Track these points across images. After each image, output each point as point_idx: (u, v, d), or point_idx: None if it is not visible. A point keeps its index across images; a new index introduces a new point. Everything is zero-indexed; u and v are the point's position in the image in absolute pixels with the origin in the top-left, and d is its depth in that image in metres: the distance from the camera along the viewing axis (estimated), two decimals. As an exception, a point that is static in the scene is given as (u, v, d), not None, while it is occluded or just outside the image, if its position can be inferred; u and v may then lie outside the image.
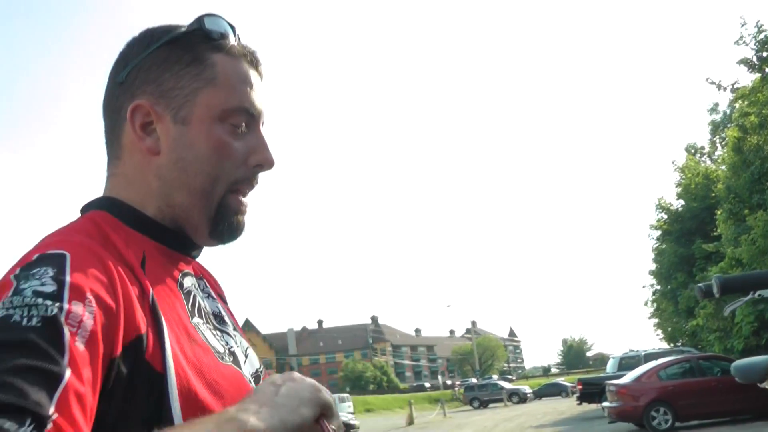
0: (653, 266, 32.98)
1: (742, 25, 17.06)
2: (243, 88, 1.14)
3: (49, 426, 0.80)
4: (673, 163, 31.36)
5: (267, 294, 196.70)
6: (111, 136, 1.16)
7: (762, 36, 16.88)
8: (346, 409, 47.98)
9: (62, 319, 0.88)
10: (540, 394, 56.98)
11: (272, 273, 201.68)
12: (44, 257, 0.95)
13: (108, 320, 0.93)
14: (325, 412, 0.98)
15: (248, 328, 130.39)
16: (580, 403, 28.37)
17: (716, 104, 32.82)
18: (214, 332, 1.14)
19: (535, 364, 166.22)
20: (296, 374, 1.00)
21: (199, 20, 1.14)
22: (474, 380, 64.30)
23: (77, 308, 0.90)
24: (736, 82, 18.93)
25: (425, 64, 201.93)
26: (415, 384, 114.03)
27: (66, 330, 0.87)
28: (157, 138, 1.12)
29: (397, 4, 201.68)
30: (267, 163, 1.17)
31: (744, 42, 17.11)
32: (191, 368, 1.01)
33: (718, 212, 21.97)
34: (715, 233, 22.70)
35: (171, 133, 1.11)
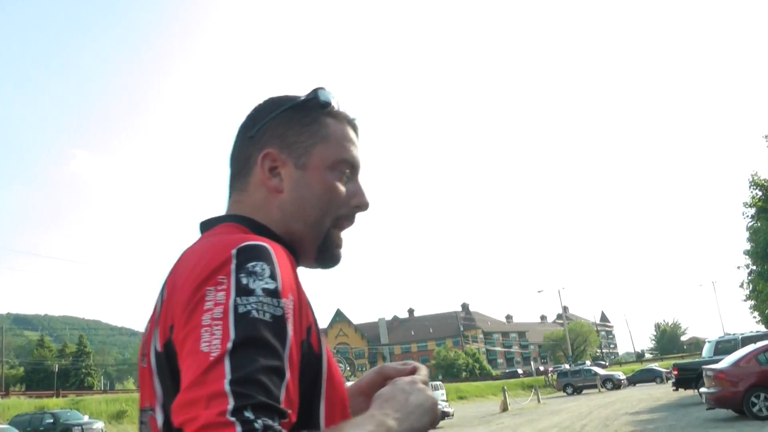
0: (748, 246, 32.15)
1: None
2: (347, 145, 1.44)
3: (286, 419, 1.01)
4: (766, 137, 30.34)
5: (358, 284, 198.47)
6: (237, 175, 1.44)
7: None
8: (439, 396, 48.05)
9: (286, 315, 1.10)
10: (634, 380, 56.12)
11: (363, 263, 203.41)
12: (251, 249, 1.15)
13: (300, 308, 1.18)
14: (435, 423, 1.23)
15: (340, 318, 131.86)
16: (676, 389, 27.95)
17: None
18: None
19: (628, 350, 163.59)
20: (420, 383, 1.26)
21: (315, 92, 1.45)
22: (567, 366, 63.63)
23: (289, 303, 1.13)
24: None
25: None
26: (507, 371, 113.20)
27: (289, 327, 1.10)
28: (280, 179, 1.39)
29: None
30: (364, 205, 1.46)
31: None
32: (329, 356, 1.27)
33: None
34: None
35: (293, 176, 1.40)
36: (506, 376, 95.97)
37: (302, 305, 1.19)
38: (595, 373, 53.37)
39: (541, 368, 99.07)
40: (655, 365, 66.41)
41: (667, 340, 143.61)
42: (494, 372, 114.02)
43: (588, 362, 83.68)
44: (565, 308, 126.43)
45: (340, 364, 33.43)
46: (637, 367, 74.43)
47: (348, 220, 1.45)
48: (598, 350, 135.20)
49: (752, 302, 35.83)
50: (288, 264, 1.21)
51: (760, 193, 29.99)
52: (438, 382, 58.35)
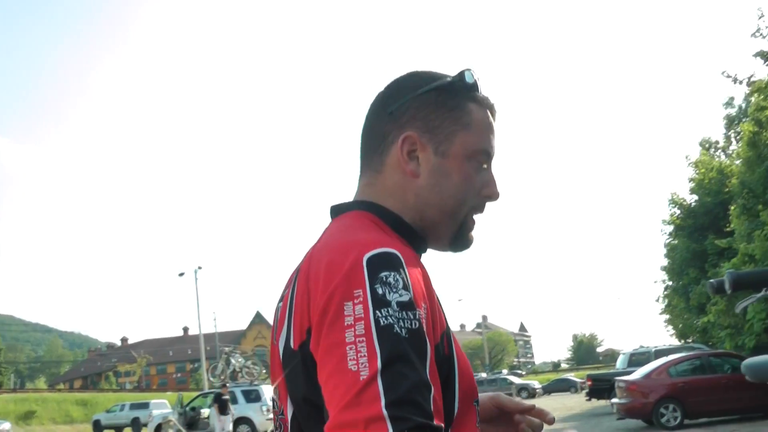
0: (665, 262, 32.90)
1: (760, 17, 16.87)
2: (488, 135, 1.41)
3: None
4: (686, 157, 31.08)
5: (279, 285, 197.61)
6: (372, 152, 1.41)
7: (780, 27, 16.67)
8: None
9: (422, 326, 1.12)
10: (549, 389, 57.07)
11: (283, 265, 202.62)
12: (382, 258, 1.16)
13: (432, 314, 1.19)
14: None
15: (259, 320, 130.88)
16: (589, 399, 28.38)
17: (732, 98, 32.62)
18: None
19: (545, 359, 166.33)
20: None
21: (461, 74, 1.40)
22: (484, 375, 64.27)
23: (422, 313, 1.14)
24: (752, 76, 18.73)
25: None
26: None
27: (426, 337, 1.12)
28: (418, 164, 1.36)
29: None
30: (494, 195, 1.43)
31: (761, 34, 16.91)
32: (458, 349, 1.30)
33: (732, 208, 21.80)
34: (728, 229, 22.54)
35: (431, 162, 1.36)
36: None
37: (434, 311, 1.21)
38: (511, 382, 54.12)
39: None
40: (570, 375, 67.57)
41: (584, 350, 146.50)
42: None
43: (505, 371, 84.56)
44: (484, 317, 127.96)
45: (256, 367, 32.91)
46: (553, 376, 75.94)
47: (478, 209, 1.43)
48: (516, 359, 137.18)
49: (667, 316, 36.70)
50: (418, 269, 1.21)
51: (678, 212, 30.64)
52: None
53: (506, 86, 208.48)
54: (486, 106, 1.42)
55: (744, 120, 25.84)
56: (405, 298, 1.11)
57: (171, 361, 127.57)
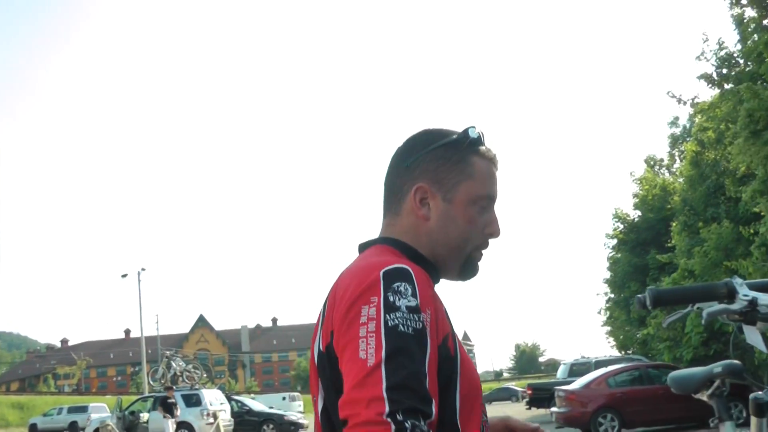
0: (608, 275, 33.27)
1: (705, 41, 17.18)
2: (489, 182, 1.65)
3: (433, 417, 1.28)
4: (631, 174, 31.59)
5: (222, 290, 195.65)
6: (392, 199, 1.67)
7: (723, 53, 17.03)
8: (296, 408, 47.90)
9: (425, 327, 1.36)
10: (490, 398, 57.30)
11: (229, 269, 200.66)
12: (397, 271, 1.41)
13: (435, 321, 1.42)
14: None
15: (202, 324, 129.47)
16: (529, 408, 28.58)
17: (676, 118, 33.24)
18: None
19: (487, 368, 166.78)
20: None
21: (465, 131, 1.64)
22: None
23: (427, 316, 1.38)
24: (696, 97, 19.13)
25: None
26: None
27: (428, 336, 1.36)
28: (429, 209, 1.62)
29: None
30: (496, 233, 1.67)
31: (705, 58, 17.27)
32: (464, 354, 1.51)
33: (673, 224, 22.24)
34: (669, 244, 23.02)
35: (440, 208, 1.62)
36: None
37: (439, 317, 1.44)
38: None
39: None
40: (512, 384, 67.96)
41: (526, 360, 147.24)
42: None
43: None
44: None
45: (197, 371, 32.57)
46: (495, 385, 76.19)
47: (483, 246, 1.67)
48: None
49: (608, 328, 37.16)
50: (426, 283, 1.45)
51: (621, 226, 31.06)
52: (296, 393, 58.09)
53: (453, 107, 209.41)
54: (487, 157, 1.66)
55: (688, 140, 26.42)
56: (412, 303, 1.36)
57: (112, 364, 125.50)
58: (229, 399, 31.83)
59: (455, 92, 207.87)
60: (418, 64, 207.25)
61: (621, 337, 34.44)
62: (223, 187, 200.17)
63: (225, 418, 27.56)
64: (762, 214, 14.27)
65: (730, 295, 1.63)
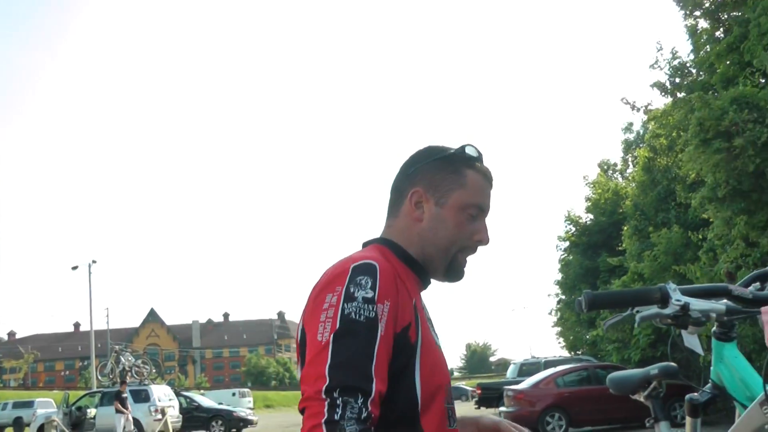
0: (559, 276, 33.59)
1: (659, 50, 17.41)
2: (480, 193, 1.81)
3: (373, 395, 1.45)
4: (584, 177, 31.92)
5: (174, 284, 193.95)
6: (394, 203, 1.86)
7: (676, 62, 17.29)
8: (245, 404, 47.73)
9: (378, 316, 1.53)
10: (440, 397, 57.47)
11: (181, 263, 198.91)
12: (364, 266, 1.59)
13: (395, 311, 1.58)
14: None
15: (153, 318, 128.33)
16: (478, 407, 28.75)
17: (630, 124, 33.63)
18: (433, 331, 1.80)
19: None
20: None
21: (462, 148, 1.82)
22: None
23: (383, 307, 1.55)
24: (650, 104, 19.40)
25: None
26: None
27: (380, 325, 1.52)
28: (422, 212, 1.80)
29: None
30: (484, 241, 1.82)
31: (659, 66, 17.53)
32: (426, 344, 1.67)
33: (625, 228, 22.53)
34: (620, 248, 23.29)
35: (432, 211, 1.79)
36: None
37: (399, 309, 1.60)
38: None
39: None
40: (462, 383, 68.30)
41: (477, 360, 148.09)
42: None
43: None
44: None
45: (146, 366, 32.22)
46: (445, 385, 76.41)
47: (470, 250, 1.83)
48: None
49: (559, 329, 37.52)
50: (390, 278, 1.60)
51: (573, 229, 31.35)
52: (246, 390, 57.81)
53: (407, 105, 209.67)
54: (481, 172, 1.83)
55: (641, 146, 26.75)
56: (369, 294, 1.54)
57: (60, 358, 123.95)
58: (178, 395, 31.62)
59: (414, 94, 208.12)
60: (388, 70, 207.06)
61: (571, 338, 34.76)
62: (175, 179, 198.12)
63: (173, 414, 27.35)
64: (710, 220, 14.54)
65: (664, 299, 1.70)
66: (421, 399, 1.62)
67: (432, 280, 1.86)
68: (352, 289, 1.54)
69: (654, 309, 1.72)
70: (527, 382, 19.75)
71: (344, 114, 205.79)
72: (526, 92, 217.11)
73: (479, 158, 1.85)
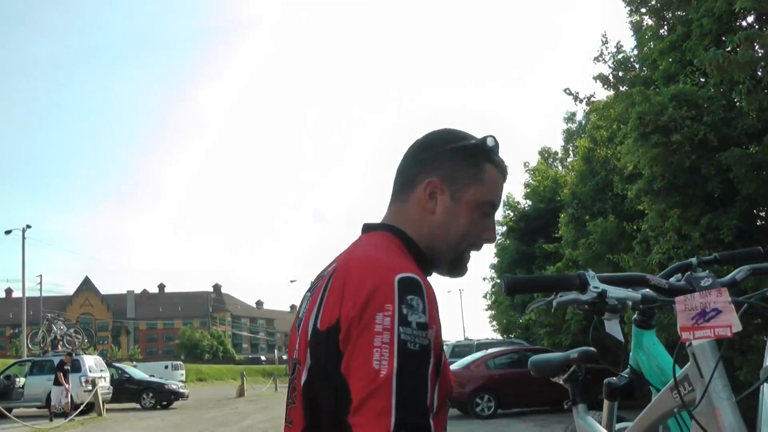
0: (495, 260, 33.95)
1: (604, 43, 17.58)
2: (496, 191, 1.76)
3: (432, 430, 1.39)
4: (525, 164, 32.28)
5: (110, 253, 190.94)
6: (402, 187, 1.76)
7: (620, 56, 17.48)
8: (178, 377, 47.45)
9: (431, 344, 1.45)
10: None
11: (117, 232, 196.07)
12: (411, 283, 1.49)
13: (439, 335, 1.50)
14: None
15: (87, 287, 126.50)
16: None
17: (573, 114, 34.13)
18: None
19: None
20: None
21: (484, 139, 1.75)
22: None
23: (432, 333, 1.46)
24: (593, 95, 19.66)
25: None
26: (251, 356, 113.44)
27: (432, 353, 1.45)
28: (436, 203, 1.71)
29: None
30: (492, 240, 1.78)
31: (603, 59, 17.73)
32: (445, 362, 1.61)
33: (562, 216, 22.80)
34: (556, 235, 23.56)
35: (446, 204, 1.71)
36: (249, 362, 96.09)
37: (439, 332, 1.52)
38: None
39: (285, 357, 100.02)
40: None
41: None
42: (238, 356, 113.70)
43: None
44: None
45: (78, 336, 31.78)
46: (378, 365, 76.72)
47: (477, 246, 1.77)
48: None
49: (492, 312, 38.00)
50: (433, 295, 1.52)
51: (512, 214, 31.66)
52: (179, 362, 57.46)
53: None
54: (499, 168, 1.77)
55: (582, 136, 27.12)
56: (422, 320, 1.45)
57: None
58: (110, 366, 31.23)
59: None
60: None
61: (504, 321, 35.23)
62: (115, 145, 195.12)
63: (104, 385, 27.00)
64: (645, 212, 14.80)
65: (582, 286, 1.75)
66: (434, 420, 1.54)
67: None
68: (405, 312, 1.45)
69: (572, 294, 1.77)
70: (458, 364, 19.96)
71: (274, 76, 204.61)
72: (473, 75, 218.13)
73: (497, 150, 1.77)
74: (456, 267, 1.78)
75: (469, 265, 1.80)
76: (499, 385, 18.47)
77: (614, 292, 1.77)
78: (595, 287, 1.75)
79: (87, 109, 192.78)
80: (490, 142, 1.75)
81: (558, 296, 1.92)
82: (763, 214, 13.91)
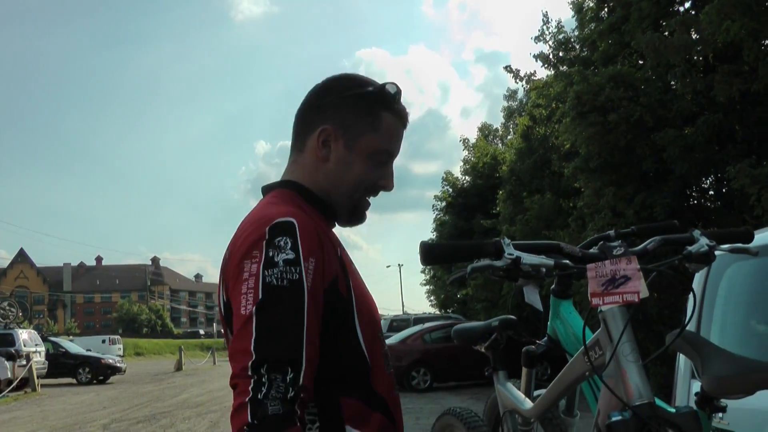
0: (433, 235, 34.09)
1: (545, 23, 17.75)
2: (393, 139, 1.75)
3: (304, 365, 1.39)
4: (465, 141, 32.45)
5: (46, 224, 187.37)
6: (299, 136, 1.77)
7: (561, 36, 17.65)
8: (115, 351, 46.92)
9: (304, 278, 1.45)
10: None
11: (53, 201, 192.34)
12: (282, 226, 1.50)
13: (321, 267, 1.52)
14: None
15: (22, 259, 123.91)
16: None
17: (514, 92, 34.38)
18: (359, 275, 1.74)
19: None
20: None
21: (382, 86, 1.72)
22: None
23: (308, 266, 1.47)
24: (533, 74, 19.83)
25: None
26: (189, 330, 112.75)
27: (305, 286, 1.45)
28: (329, 151, 1.71)
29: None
30: (388, 187, 1.77)
31: (544, 39, 17.88)
32: (359, 292, 1.65)
33: (500, 192, 23.04)
34: (494, 211, 23.81)
35: (340, 152, 1.71)
36: (187, 336, 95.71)
37: (326, 263, 1.54)
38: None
39: (223, 331, 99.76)
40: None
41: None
42: (176, 330, 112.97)
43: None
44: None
45: (12, 309, 31.07)
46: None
47: (373, 193, 1.77)
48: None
49: (430, 287, 38.25)
50: (310, 233, 1.53)
51: (450, 190, 31.84)
52: (117, 337, 56.85)
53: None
54: (398, 115, 1.75)
55: (522, 114, 27.35)
56: (291, 256, 1.46)
57: None
58: (45, 340, 30.70)
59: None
60: None
61: (442, 296, 35.52)
62: (53, 111, 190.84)
63: (39, 360, 26.55)
64: (581, 189, 15.03)
65: (498, 253, 1.78)
66: (365, 345, 1.62)
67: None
68: (271, 254, 1.45)
69: (487, 261, 1.80)
70: (395, 338, 20.20)
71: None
72: (419, 46, 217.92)
73: (397, 97, 1.73)
74: (353, 215, 1.77)
75: (367, 212, 1.80)
76: (435, 359, 18.69)
77: (528, 258, 1.80)
78: (510, 254, 1.78)
79: (17, 71, 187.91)
80: (390, 89, 1.72)
81: (476, 262, 1.90)
82: (695, 193, 14.22)
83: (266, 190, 1.78)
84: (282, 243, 1.47)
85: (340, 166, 1.71)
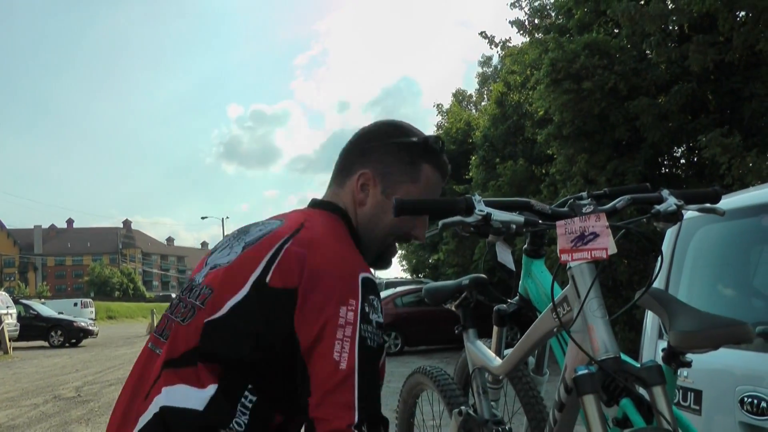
0: (405, 200, 34.10)
1: (521, -11, 17.73)
2: (430, 191, 1.79)
3: (387, 424, 1.48)
4: (439, 106, 32.37)
5: (15, 185, 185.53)
6: (340, 173, 1.81)
7: (536, 3, 17.62)
8: (87, 314, 46.75)
9: (384, 342, 1.57)
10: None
11: (23, 162, 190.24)
12: (371, 283, 1.56)
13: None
14: None
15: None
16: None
17: (489, 58, 34.31)
18: None
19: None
20: None
21: (427, 139, 1.78)
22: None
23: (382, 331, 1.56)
24: (508, 40, 19.79)
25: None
26: (162, 294, 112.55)
27: (384, 352, 1.56)
28: (366, 196, 1.76)
29: None
30: (420, 239, 1.85)
31: (520, 5, 17.85)
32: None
33: (473, 158, 23.05)
34: (467, 176, 23.83)
35: (377, 198, 1.76)
36: (159, 299, 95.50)
37: None
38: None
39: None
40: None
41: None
42: (148, 294, 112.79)
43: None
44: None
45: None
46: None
47: (404, 241, 1.85)
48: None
49: (402, 252, 38.31)
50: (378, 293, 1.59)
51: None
52: (89, 300, 56.63)
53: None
54: (438, 168, 1.81)
55: (496, 80, 27.30)
56: (380, 320, 1.55)
57: None
58: (17, 303, 30.49)
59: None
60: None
61: (414, 261, 35.56)
62: (20, 70, 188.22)
63: (10, 323, 26.41)
64: (554, 156, 15.08)
65: (469, 209, 1.79)
66: None
67: None
68: (367, 309, 1.51)
69: (458, 217, 1.80)
70: (366, 302, 20.15)
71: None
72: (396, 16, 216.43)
73: (440, 151, 1.79)
74: (380, 259, 1.83)
75: (394, 259, 1.86)
76: (406, 323, 18.78)
77: (499, 215, 1.81)
78: (481, 210, 1.78)
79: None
80: (432, 142, 1.78)
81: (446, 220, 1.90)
82: (667, 162, 14.32)
83: (315, 204, 1.82)
84: (375, 303, 1.54)
85: (376, 212, 1.76)
